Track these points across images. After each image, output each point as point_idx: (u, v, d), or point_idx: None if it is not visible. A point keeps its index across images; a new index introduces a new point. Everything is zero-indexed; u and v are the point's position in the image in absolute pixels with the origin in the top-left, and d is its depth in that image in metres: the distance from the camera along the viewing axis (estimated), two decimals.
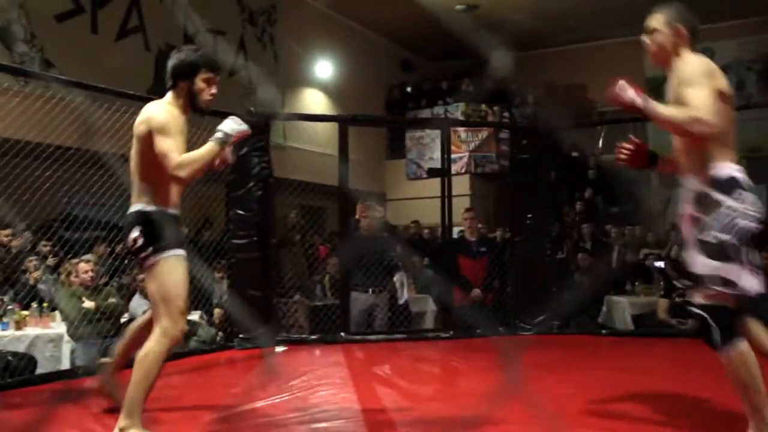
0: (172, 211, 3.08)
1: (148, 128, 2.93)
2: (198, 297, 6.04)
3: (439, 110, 11.02)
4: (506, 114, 11.03)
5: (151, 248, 2.95)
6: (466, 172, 10.59)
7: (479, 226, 7.85)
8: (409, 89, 12.11)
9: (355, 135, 9.42)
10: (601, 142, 11.75)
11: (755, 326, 2.76)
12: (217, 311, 6.30)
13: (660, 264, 8.02)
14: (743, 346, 2.53)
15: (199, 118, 3.24)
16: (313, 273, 7.88)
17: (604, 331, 6.79)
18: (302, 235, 8.08)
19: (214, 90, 3.12)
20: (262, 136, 5.89)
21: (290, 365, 4.95)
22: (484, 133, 10.68)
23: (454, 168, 10.17)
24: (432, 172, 9.32)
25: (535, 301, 6.54)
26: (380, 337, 6.16)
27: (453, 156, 10.18)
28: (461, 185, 10.18)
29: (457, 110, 10.89)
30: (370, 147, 11.00)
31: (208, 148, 2.93)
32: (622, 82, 2.77)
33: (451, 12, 10.71)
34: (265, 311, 5.80)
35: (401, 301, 7.06)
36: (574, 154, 9.68)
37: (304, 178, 8.44)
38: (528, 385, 3.82)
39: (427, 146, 10.48)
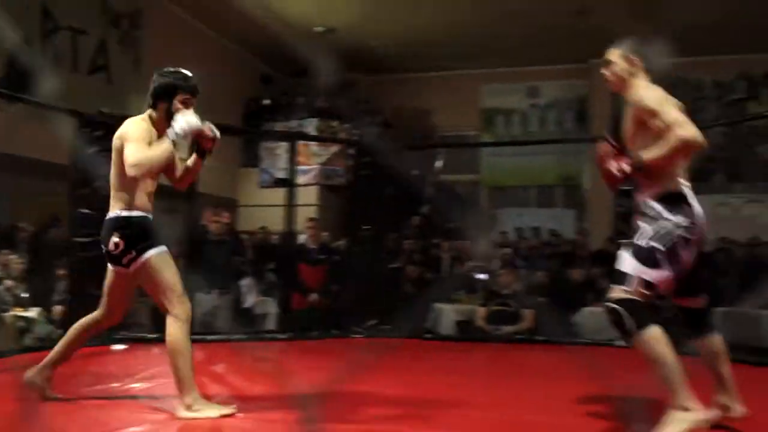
0: (147, 214, 3.24)
1: (121, 142, 3.14)
2: (38, 294, 5.71)
3: (293, 124, 11.00)
4: (356, 131, 11.18)
5: (134, 251, 3.12)
6: (315, 184, 10.63)
7: (323, 234, 7.94)
8: (266, 102, 12.01)
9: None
10: (439, 163, 12.21)
11: (715, 342, 2.94)
12: (57, 308, 5.96)
13: (483, 276, 8.41)
14: (655, 329, 2.68)
15: None
16: None
17: (429, 336, 7.03)
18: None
19: (191, 111, 3.26)
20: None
21: (127, 363, 4.77)
22: (334, 148, 10.77)
23: (304, 179, 10.28)
24: (279, 182, 9.33)
25: (369, 306, 6.68)
26: (221, 337, 6.06)
27: (304, 167, 10.31)
28: (310, 195, 10.22)
29: (311, 125, 10.91)
30: (225, 155, 10.81)
31: (162, 145, 3.11)
32: (615, 166, 2.90)
33: (309, 33, 10.75)
34: None
35: (247, 304, 7.00)
36: (414, 172, 9.97)
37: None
38: (354, 385, 3.92)
39: (280, 157, 10.43)
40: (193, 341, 5.71)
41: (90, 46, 8.65)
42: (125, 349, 5.47)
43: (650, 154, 2.83)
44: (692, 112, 10.33)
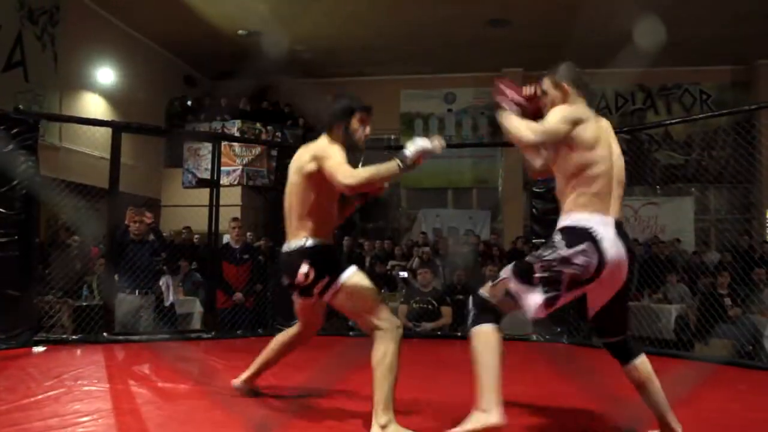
0: (329, 242, 3.11)
1: (317, 164, 2.96)
2: None
3: (216, 125, 10.77)
4: (279, 134, 11.05)
5: (328, 277, 2.97)
6: (238, 184, 10.45)
7: (247, 234, 7.80)
8: (189, 103, 11.72)
9: (134, 142, 8.99)
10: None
11: (639, 368, 2.73)
12: None
13: (404, 274, 8.46)
14: (491, 328, 2.60)
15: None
16: (85, 273, 7.32)
17: (352, 333, 7.00)
18: (72, 236, 7.47)
19: (368, 129, 3.17)
20: (30, 135, 5.38)
21: (47, 365, 4.53)
22: (257, 150, 10.60)
23: (227, 179, 10.09)
24: (201, 182, 9.11)
25: (293, 305, 6.58)
26: (144, 337, 5.85)
27: (227, 168, 10.11)
28: (233, 196, 10.03)
29: (234, 126, 10.72)
30: (148, 154, 10.48)
31: (387, 165, 2.83)
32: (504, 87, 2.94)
33: (233, 37, 10.57)
34: (24, 311, 5.28)
35: (167, 303, 6.80)
36: None
37: (79, 180, 7.83)
38: (279, 381, 3.85)
39: (204, 157, 10.18)
40: (117, 342, 5.56)
41: (5, 41, 8.20)
42: (45, 351, 5.20)
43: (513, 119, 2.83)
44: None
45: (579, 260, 2.50)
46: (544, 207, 6.05)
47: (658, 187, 11.88)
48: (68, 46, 9.15)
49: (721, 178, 11.76)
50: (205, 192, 7.06)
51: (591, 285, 2.57)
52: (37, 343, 5.30)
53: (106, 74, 9.93)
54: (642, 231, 10.63)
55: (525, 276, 2.59)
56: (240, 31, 10.51)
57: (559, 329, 5.79)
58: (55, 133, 8.77)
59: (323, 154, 2.96)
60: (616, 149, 2.76)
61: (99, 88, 9.87)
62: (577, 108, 2.76)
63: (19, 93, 8.18)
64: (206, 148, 9.65)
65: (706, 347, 6.17)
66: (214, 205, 6.54)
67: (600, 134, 2.70)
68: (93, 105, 9.76)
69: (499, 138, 12.41)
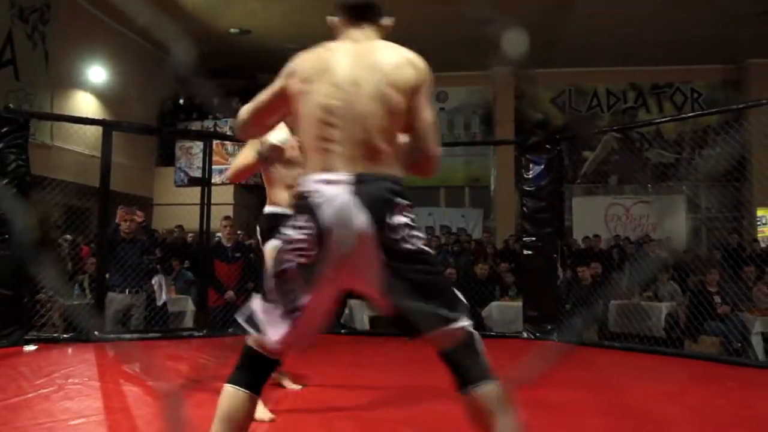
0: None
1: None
2: None
3: (208, 124, 10.77)
4: None
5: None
6: (230, 183, 10.44)
7: (239, 233, 7.79)
8: (181, 101, 11.71)
9: (126, 141, 8.96)
10: None
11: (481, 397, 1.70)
12: None
13: None
14: (229, 388, 1.79)
15: None
16: (76, 272, 7.30)
17: (343, 331, 7.02)
18: (63, 234, 7.46)
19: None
20: (20, 134, 5.38)
21: (38, 364, 4.53)
22: None
23: (219, 178, 10.05)
24: (193, 181, 9.10)
25: None
26: (135, 336, 5.85)
27: (219, 167, 10.06)
28: (225, 194, 10.03)
29: (226, 125, 10.71)
30: (140, 153, 10.47)
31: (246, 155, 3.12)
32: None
33: (225, 35, 10.56)
34: (14, 310, 5.28)
35: (159, 302, 6.79)
36: None
37: (70, 179, 7.82)
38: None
39: (196, 156, 10.19)
40: (108, 340, 5.56)
41: None
42: (36, 350, 5.20)
43: None
44: (587, 118, 10.72)
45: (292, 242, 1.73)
46: (535, 205, 6.08)
47: (649, 185, 11.94)
48: (59, 45, 9.13)
49: (712, 177, 11.83)
50: (197, 191, 7.05)
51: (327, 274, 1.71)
52: (28, 342, 5.30)
53: (97, 73, 9.91)
54: (633, 229, 10.68)
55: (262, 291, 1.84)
56: (232, 30, 10.50)
57: (549, 327, 5.82)
58: (47, 132, 8.74)
59: None
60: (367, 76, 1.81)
61: (90, 87, 9.85)
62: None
63: (10, 92, 8.16)
64: (198, 147, 9.63)
65: (696, 344, 6.20)
66: (205, 204, 6.55)
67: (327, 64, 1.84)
68: (84, 103, 9.74)
69: (491, 137, 12.50)
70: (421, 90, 1.85)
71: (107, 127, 6.13)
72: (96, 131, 7.25)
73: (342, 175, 1.71)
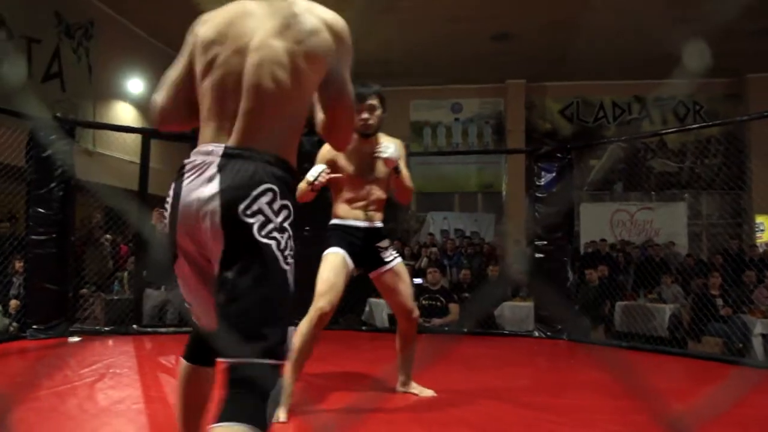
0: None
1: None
2: None
3: None
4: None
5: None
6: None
7: None
8: None
9: (162, 147, 9.02)
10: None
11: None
12: (12, 302, 5.66)
13: (417, 280, 8.44)
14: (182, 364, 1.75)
15: None
16: (117, 270, 7.37)
17: (364, 328, 7.01)
18: (106, 234, 7.53)
19: (364, 115, 3.07)
20: (67, 141, 5.43)
21: (82, 355, 4.57)
22: None
23: None
24: None
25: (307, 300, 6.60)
26: (170, 330, 5.88)
27: None
28: None
29: None
30: (175, 158, 10.53)
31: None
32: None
33: None
34: (60, 304, 5.33)
35: None
36: None
37: (111, 183, 7.88)
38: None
39: None
40: (145, 333, 5.60)
41: (44, 54, 8.29)
42: (80, 341, 5.24)
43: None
44: (594, 128, 10.66)
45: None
46: (547, 211, 6.04)
47: (653, 192, 11.84)
48: (101, 58, 9.23)
49: (713, 185, 11.72)
50: None
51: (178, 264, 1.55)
52: (72, 334, 5.34)
53: (135, 84, 10.00)
54: (638, 234, 10.59)
55: None
56: None
57: (559, 326, 5.78)
58: (89, 139, 8.84)
59: None
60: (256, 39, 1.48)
61: (129, 97, 9.95)
62: None
63: (57, 102, 8.25)
64: None
65: (699, 344, 6.13)
66: None
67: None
68: (124, 113, 9.83)
69: (503, 145, 12.47)
70: (336, 60, 1.52)
71: (147, 135, 6.17)
72: (134, 138, 7.35)
73: (212, 146, 1.43)
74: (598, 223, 10.75)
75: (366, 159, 3.14)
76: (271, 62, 1.43)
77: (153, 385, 3.66)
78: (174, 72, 1.66)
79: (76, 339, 5.27)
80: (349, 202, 3.18)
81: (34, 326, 5.19)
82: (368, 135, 3.13)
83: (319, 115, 1.68)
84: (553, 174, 6.02)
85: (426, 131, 12.92)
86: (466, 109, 12.80)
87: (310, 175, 2.91)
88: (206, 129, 1.49)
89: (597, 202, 11.68)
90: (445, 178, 12.27)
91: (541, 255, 5.93)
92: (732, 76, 11.77)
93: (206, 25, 1.55)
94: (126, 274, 7.19)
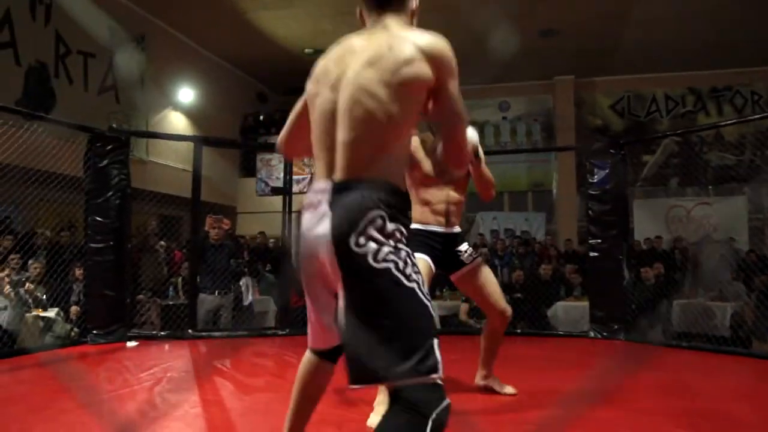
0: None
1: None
2: (56, 295, 5.61)
3: None
4: None
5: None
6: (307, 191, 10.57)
7: None
8: (261, 118, 11.96)
9: (211, 155, 9.20)
10: None
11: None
12: (73, 309, 5.84)
13: None
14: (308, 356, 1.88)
15: None
16: (171, 276, 7.54)
17: None
18: (160, 241, 7.71)
19: None
20: (122, 151, 5.57)
21: (140, 359, 4.68)
22: None
23: (298, 187, 10.18)
24: (275, 191, 9.23)
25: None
26: (224, 334, 5.97)
27: (297, 177, 10.22)
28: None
29: None
30: (225, 166, 10.73)
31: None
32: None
33: (300, 55, 10.69)
34: (118, 309, 5.47)
35: (246, 303, 6.92)
36: None
37: (164, 190, 8.08)
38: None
39: (275, 167, 10.38)
40: (200, 338, 5.70)
41: (100, 68, 8.55)
42: (138, 346, 5.36)
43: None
44: (646, 123, 10.37)
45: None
46: (600, 208, 5.89)
47: (710, 187, 11.45)
48: (153, 69, 9.47)
49: None
50: (276, 199, 7.15)
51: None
52: (130, 339, 5.47)
53: (186, 94, 10.22)
54: (695, 230, 10.26)
55: None
56: (306, 50, 10.63)
57: (616, 326, 5.63)
58: (143, 149, 9.08)
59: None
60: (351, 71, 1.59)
61: (180, 107, 10.18)
62: None
63: (112, 113, 8.49)
64: (278, 159, 9.83)
65: (764, 344, 5.90)
66: (286, 211, 6.62)
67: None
68: (175, 122, 10.07)
69: (552, 143, 12.26)
70: (437, 81, 1.56)
71: (197, 142, 6.28)
72: (186, 146, 7.51)
73: (323, 183, 1.53)
74: (653, 220, 10.48)
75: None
76: (363, 93, 1.51)
77: (210, 389, 3.71)
78: (294, 110, 1.81)
79: (133, 343, 5.39)
80: (427, 204, 3.18)
81: (94, 331, 5.33)
82: None
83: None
84: (606, 171, 5.88)
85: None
86: (513, 108, 12.64)
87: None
88: (318, 163, 1.60)
89: (651, 199, 11.37)
90: (494, 177, 12.14)
91: (596, 254, 5.79)
92: None
93: (318, 65, 1.70)
94: (180, 279, 7.34)
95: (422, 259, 3.03)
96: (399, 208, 1.49)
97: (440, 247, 3.15)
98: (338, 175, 1.51)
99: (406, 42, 1.54)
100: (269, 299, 7.71)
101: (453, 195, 3.23)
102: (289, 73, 11.27)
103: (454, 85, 1.61)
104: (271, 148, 10.72)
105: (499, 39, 10.11)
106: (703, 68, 11.54)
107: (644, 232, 9.83)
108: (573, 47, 10.46)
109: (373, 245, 1.42)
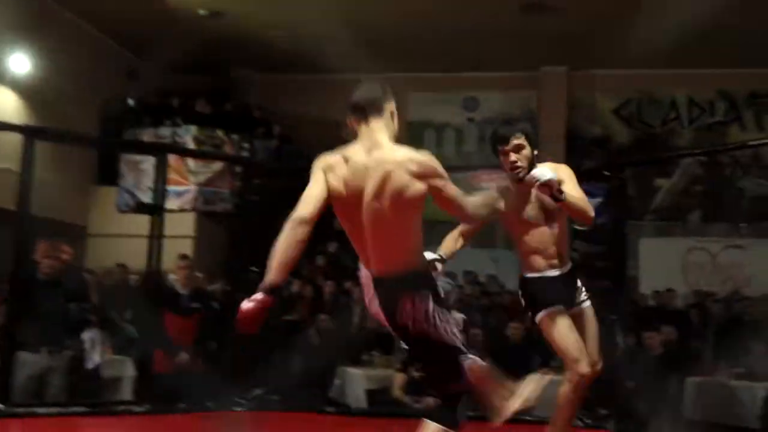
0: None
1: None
2: None
3: (165, 131, 10.80)
4: (246, 145, 11.08)
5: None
6: (192, 210, 10.44)
7: (198, 276, 7.78)
8: (131, 103, 11.79)
9: (52, 151, 9.00)
10: None
11: None
12: None
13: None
14: None
15: None
16: None
17: (331, 409, 6.93)
18: None
19: (511, 158, 4.02)
20: None
21: None
22: (217, 166, 10.61)
23: (177, 203, 10.09)
24: (143, 207, 9.04)
25: (255, 369, 6.57)
26: (53, 410, 5.80)
27: (177, 188, 10.12)
28: (184, 225, 10.04)
29: (188, 134, 10.75)
30: (74, 168, 10.51)
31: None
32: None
33: (191, 18, 10.62)
34: None
35: (90, 365, 6.76)
36: None
37: None
38: None
39: (146, 173, 10.20)
40: (16, 416, 5.51)
41: None
42: None
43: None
44: (661, 135, 10.63)
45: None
46: (590, 250, 6.03)
47: (743, 225, 11.81)
48: None
49: None
50: (146, 219, 7.06)
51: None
52: None
53: (19, 62, 9.94)
54: (722, 283, 10.55)
55: None
56: (200, 11, 10.57)
57: (604, 412, 5.72)
58: None
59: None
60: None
61: (9, 80, 9.89)
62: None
63: None
64: (150, 162, 9.67)
65: None
66: (155, 237, 6.53)
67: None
68: (1, 101, 9.79)
69: (535, 157, 12.42)
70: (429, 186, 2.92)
71: (29, 133, 6.15)
72: (13, 139, 7.32)
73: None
74: (665, 265, 10.73)
75: (529, 202, 4.03)
76: (379, 217, 2.90)
77: None
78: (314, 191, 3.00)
79: None
80: (536, 252, 4.11)
81: None
82: (520, 178, 3.92)
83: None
84: (600, 199, 6.02)
85: (428, 135, 12.95)
86: (483, 106, 12.83)
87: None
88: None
89: (664, 237, 11.67)
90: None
91: None
92: None
93: (333, 174, 2.99)
94: None
95: (560, 311, 4.01)
96: (423, 278, 3.06)
97: (562, 289, 4.10)
98: (380, 269, 3.07)
99: (402, 169, 2.90)
100: (126, 361, 7.52)
101: (554, 233, 4.10)
102: (173, 43, 11.16)
103: (440, 178, 2.95)
104: (142, 146, 10.59)
105: (466, 14, 10.29)
106: (739, 65, 11.89)
107: (654, 281, 10.06)
108: (567, 28, 10.68)
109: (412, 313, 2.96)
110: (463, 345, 2.99)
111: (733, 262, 11.04)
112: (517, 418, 3.38)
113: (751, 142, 10.36)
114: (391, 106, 3.12)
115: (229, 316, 6.88)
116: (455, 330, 2.98)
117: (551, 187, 3.70)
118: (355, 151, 2.98)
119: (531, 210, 4.03)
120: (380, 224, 2.90)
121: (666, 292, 9.36)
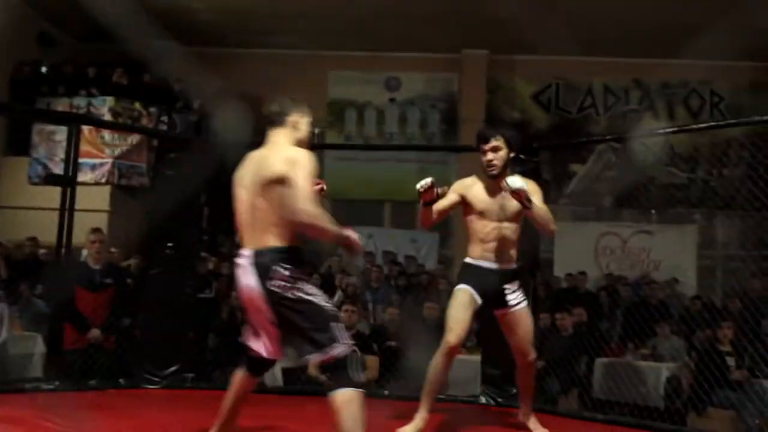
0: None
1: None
2: None
3: (80, 101, 10.56)
4: (165, 118, 10.90)
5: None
6: (106, 183, 10.25)
7: (112, 251, 7.65)
8: (44, 70, 11.48)
9: None
10: None
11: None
12: None
13: None
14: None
15: None
16: None
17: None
18: None
19: (488, 156, 4.61)
20: None
21: None
22: (134, 138, 10.42)
23: (92, 176, 9.91)
24: (54, 178, 8.81)
25: (170, 347, 6.49)
26: None
27: (91, 161, 9.92)
28: (98, 198, 9.88)
29: (105, 105, 10.53)
30: None
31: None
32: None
33: None
34: None
35: None
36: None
37: None
38: None
39: (59, 145, 9.97)
40: None
41: None
42: None
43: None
44: (578, 121, 10.79)
45: None
46: None
47: (653, 211, 12.09)
48: None
49: (733, 204, 12.03)
50: (57, 191, 6.89)
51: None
52: None
53: None
54: (631, 267, 10.84)
55: None
56: None
57: (515, 390, 5.83)
58: None
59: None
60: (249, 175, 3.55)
61: None
62: None
63: None
64: (63, 133, 9.44)
65: (702, 419, 6.30)
66: (66, 209, 6.38)
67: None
68: None
69: (454, 139, 12.54)
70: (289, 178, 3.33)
71: None
72: None
73: (246, 251, 3.45)
74: (578, 249, 10.96)
75: (497, 200, 4.55)
76: (254, 194, 3.46)
77: None
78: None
79: None
80: (482, 242, 4.61)
81: None
82: (494, 176, 4.52)
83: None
84: None
85: (349, 114, 12.95)
86: (405, 87, 12.87)
87: (418, 185, 4.41)
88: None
89: (578, 222, 11.91)
90: (373, 180, 12.30)
91: None
92: (764, 60, 12.13)
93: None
94: None
95: (465, 291, 4.54)
96: (289, 262, 3.40)
97: (491, 283, 4.55)
98: (255, 245, 3.49)
99: (277, 156, 3.46)
100: (36, 337, 7.37)
101: (507, 233, 4.60)
102: (91, 8, 10.88)
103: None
104: (56, 115, 10.32)
105: None
106: (654, 55, 12.13)
107: (567, 265, 10.28)
108: (489, 11, 10.75)
109: (283, 284, 3.35)
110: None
111: (643, 247, 11.33)
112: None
113: (662, 130, 10.60)
114: (294, 118, 3.67)
115: (144, 293, 6.86)
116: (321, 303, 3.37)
117: (521, 196, 4.18)
118: (259, 150, 3.61)
119: (492, 205, 4.57)
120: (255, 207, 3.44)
121: (578, 274, 9.59)
